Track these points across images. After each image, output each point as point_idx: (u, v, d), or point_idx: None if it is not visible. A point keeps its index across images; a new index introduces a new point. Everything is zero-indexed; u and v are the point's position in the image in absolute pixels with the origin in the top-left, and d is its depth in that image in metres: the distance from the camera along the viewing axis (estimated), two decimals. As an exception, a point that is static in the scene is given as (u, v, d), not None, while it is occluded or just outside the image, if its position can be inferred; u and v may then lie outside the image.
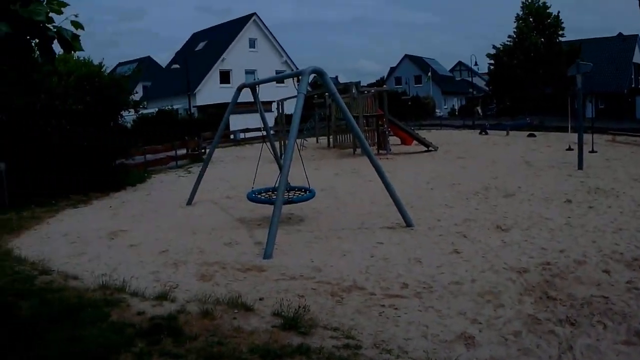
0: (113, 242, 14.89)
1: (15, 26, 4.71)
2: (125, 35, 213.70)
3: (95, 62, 25.10)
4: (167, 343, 7.44)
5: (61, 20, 5.14)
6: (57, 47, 5.27)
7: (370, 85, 75.59)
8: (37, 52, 5.34)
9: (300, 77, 15.13)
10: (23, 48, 5.14)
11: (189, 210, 19.38)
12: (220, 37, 71.39)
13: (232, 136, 48.40)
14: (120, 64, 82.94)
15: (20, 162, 22.30)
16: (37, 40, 5.08)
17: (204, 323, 8.15)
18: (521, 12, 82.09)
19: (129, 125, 34.51)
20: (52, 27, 5.07)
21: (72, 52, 5.30)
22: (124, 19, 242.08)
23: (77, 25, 5.13)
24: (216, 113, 52.59)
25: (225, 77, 67.79)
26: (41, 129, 22.02)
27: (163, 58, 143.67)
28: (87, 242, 14.90)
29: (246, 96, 18.89)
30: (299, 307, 8.58)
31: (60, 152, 22.09)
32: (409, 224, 14.60)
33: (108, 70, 26.71)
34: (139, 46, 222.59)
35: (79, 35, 5.19)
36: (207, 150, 34.17)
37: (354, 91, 34.26)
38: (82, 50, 5.28)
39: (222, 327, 8.00)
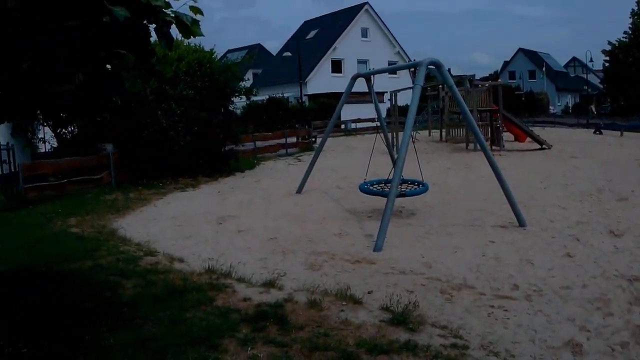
0: (221, 227, 14.95)
1: (133, 11, 4.69)
2: (234, 22, 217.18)
3: (205, 49, 25.40)
4: (272, 331, 7.37)
5: (179, 6, 5.16)
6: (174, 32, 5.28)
7: (484, 79, 74.61)
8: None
9: (417, 69, 14.83)
10: (141, 33, 5.13)
11: (299, 198, 19.28)
12: (331, 25, 71.25)
13: (343, 126, 48.37)
14: (229, 51, 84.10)
15: (130, 145, 22.74)
16: (155, 25, 5.06)
17: (310, 313, 8.04)
18: (636, 8, 78.82)
19: (239, 111, 34.73)
20: (170, 12, 5.08)
21: (192, 37, 5.29)
22: (233, 6, 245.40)
23: (196, 10, 5.14)
24: (327, 102, 52.76)
25: (336, 66, 67.60)
26: (152, 113, 22.34)
27: (273, 46, 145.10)
28: (195, 226, 15.02)
29: (358, 86, 18.71)
30: (409, 302, 8.39)
31: (170, 136, 22.36)
32: (521, 224, 14.14)
33: (218, 57, 26.91)
34: (248, 33, 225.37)
35: (198, 21, 5.22)
36: (317, 139, 34.18)
37: (466, 84, 33.76)
38: (203, 35, 5.29)
39: (329, 318, 7.86)
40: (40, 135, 31.82)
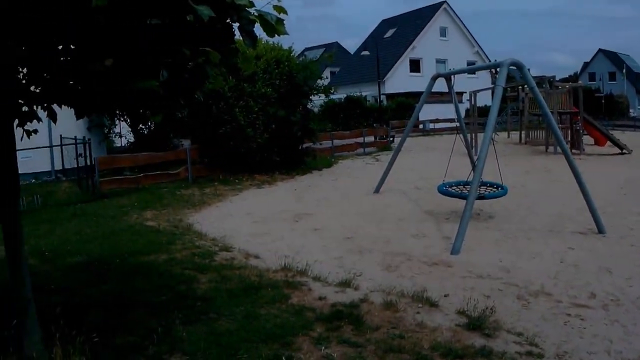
0: (297, 224, 15.01)
1: (218, 9, 4.72)
2: (311, 20, 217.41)
3: (283, 47, 25.49)
4: (347, 331, 7.37)
5: (263, 5, 5.16)
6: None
7: (564, 80, 73.42)
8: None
9: (497, 69, 14.66)
10: (225, 31, 5.19)
11: (376, 198, 19.18)
12: (409, 24, 70.49)
13: (421, 126, 48.07)
14: (307, 49, 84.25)
15: (207, 141, 23.01)
16: (239, 24, 5.09)
17: (386, 314, 8.00)
18: None
19: (317, 110, 34.86)
20: (253, 11, 5.11)
21: (276, 35, 5.28)
22: (311, 4, 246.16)
23: (280, 9, 5.12)
24: (405, 101, 52.50)
25: (415, 65, 66.83)
26: (230, 110, 22.55)
27: (349, 44, 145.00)
28: (270, 223, 15.10)
29: (437, 86, 18.56)
30: (485, 307, 8.26)
31: (247, 133, 22.54)
32: (600, 231, 13.82)
33: (296, 55, 27.00)
34: (325, 31, 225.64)
35: (283, 20, 5.18)
36: (395, 139, 34.03)
37: (545, 86, 33.26)
38: (287, 34, 5.27)
39: (405, 320, 7.81)
40: (117, 130, 32.46)
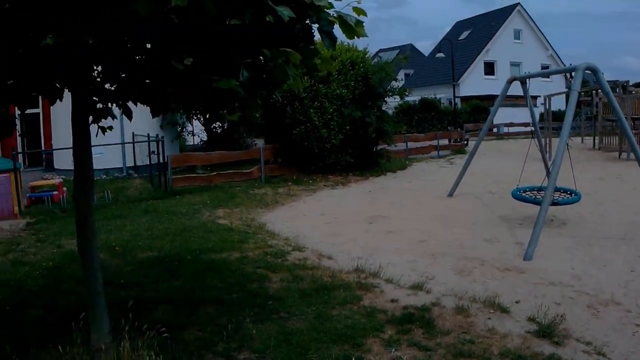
0: (370, 226, 15.01)
1: (297, 10, 4.77)
2: (385, 21, 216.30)
3: (358, 48, 25.47)
4: (418, 334, 7.37)
5: (343, 6, 5.15)
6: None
7: (637, 85, 71.57)
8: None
9: (573, 74, 14.58)
10: (305, 32, 5.23)
11: (450, 201, 19.14)
12: (483, 26, 69.67)
13: (495, 129, 47.64)
14: (381, 50, 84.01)
15: (281, 141, 23.23)
16: (318, 25, 5.12)
17: (457, 319, 7.97)
18: None
19: (391, 111, 34.90)
20: (332, 13, 5.12)
21: (355, 37, 5.29)
22: (384, 5, 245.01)
23: (359, 11, 5.10)
24: (479, 104, 52.09)
25: (489, 68, 66.08)
26: (304, 111, 22.80)
27: (422, 46, 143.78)
28: (344, 224, 15.12)
29: (511, 89, 18.44)
30: (556, 315, 8.15)
31: (322, 134, 22.73)
32: (674, 240, 13.66)
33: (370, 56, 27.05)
34: (397, 33, 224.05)
35: (362, 22, 5.20)
36: (469, 142, 33.83)
37: (618, 90, 32.76)
38: (366, 36, 5.23)
39: (476, 325, 7.78)
40: (189, 129, 32.96)
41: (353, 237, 13.70)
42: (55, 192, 20.30)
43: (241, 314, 8.05)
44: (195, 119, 30.50)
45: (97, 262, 6.62)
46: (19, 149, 29.47)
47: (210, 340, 7.19)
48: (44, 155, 32.00)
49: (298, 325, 7.61)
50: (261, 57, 5.08)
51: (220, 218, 15.73)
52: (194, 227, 14.38)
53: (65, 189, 20.75)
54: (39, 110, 32.47)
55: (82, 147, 6.36)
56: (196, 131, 33.00)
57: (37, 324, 8.18)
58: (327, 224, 15.10)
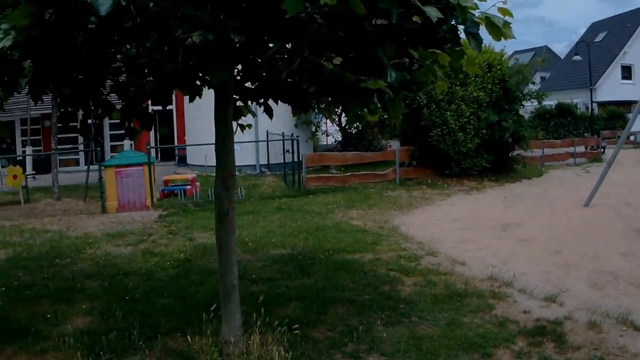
0: (504, 234, 14.74)
1: (444, 11, 4.71)
2: (519, 22, 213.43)
3: (492, 50, 25.10)
4: (549, 347, 7.21)
5: (488, 7, 5.09)
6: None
7: None
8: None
9: None
10: (451, 33, 5.14)
11: (586, 212, 18.46)
12: (620, 28, 66.56)
13: (632, 137, 46.12)
14: (516, 52, 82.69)
15: (418, 143, 23.16)
16: (463, 26, 5.05)
17: (589, 334, 7.73)
18: None
19: (527, 116, 34.35)
20: (478, 13, 5.05)
21: (502, 39, 5.17)
22: (517, 5, 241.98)
23: (505, 12, 5.03)
24: (616, 110, 50.61)
25: (626, 72, 63.29)
26: (441, 113, 22.60)
27: (557, 48, 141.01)
28: (477, 230, 14.92)
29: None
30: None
31: (458, 138, 22.48)
32: None
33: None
34: (531, 34, 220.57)
35: (509, 23, 5.11)
36: (606, 150, 32.93)
37: None
38: (514, 37, 5.14)
39: (607, 342, 7.50)
40: (324, 129, 33.21)
41: (486, 244, 13.49)
42: (189, 187, 21.02)
43: (372, 315, 8.07)
44: (329, 119, 30.73)
45: (234, 257, 6.77)
46: (152, 144, 30.39)
47: (339, 340, 7.23)
48: (176, 150, 32.94)
49: (429, 330, 7.57)
50: (406, 58, 5.01)
51: (353, 219, 15.81)
52: (327, 226, 14.52)
53: (198, 184, 21.38)
54: (173, 106, 33.46)
55: (224, 143, 6.49)
56: (330, 131, 33.25)
57: (165, 312, 8.49)
58: (460, 229, 14.92)
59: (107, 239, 14.34)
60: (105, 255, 12.45)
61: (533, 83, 29.10)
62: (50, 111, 27.00)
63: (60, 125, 20.79)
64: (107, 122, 31.78)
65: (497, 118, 23.33)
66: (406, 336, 7.30)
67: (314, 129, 30.76)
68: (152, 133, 31.56)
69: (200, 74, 5.65)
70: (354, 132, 30.50)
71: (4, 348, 7.43)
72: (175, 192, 21.01)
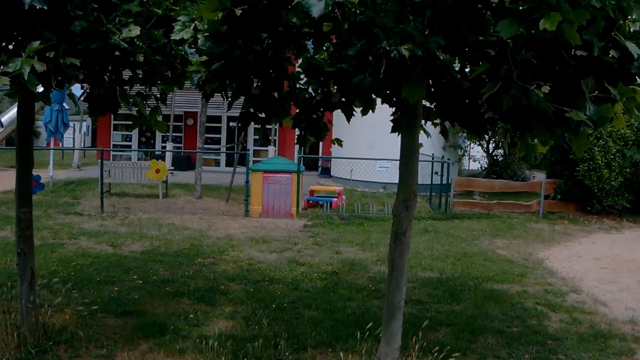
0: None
1: None
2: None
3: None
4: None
5: None
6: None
7: None
8: None
9: None
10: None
11: None
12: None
13: None
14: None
15: (563, 177, 23.25)
16: None
17: None
18: None
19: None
20: None
21: None
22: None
23: None
24: None
25: None
26: (589, 148, 22.33)
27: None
28: (617, 271, 14.85)
29: None
30: None
31: (603, 174, 22.31)
32: None
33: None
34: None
35: None
36: None
37: None
38: None
39: None
40: (472, 153, 33.22)
41: (626, 285, 13.46)
42: (335, 199, 21.31)
43: (520, 349, 8.33)
44: (478, 145, 30.77)
45: (405, 277, 6.88)
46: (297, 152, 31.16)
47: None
48: (320, 161, 33.57)
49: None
50: (601, 93, 5.01)
51: (499, 248, 16.01)
52: (473, 253, 14.77)
53: (344, 197, 21.69)
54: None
55: (410, 161, 6.84)
56: (477, 156, 33.28)
57: (314, 325, 8.74)
58: (601, 269, 14.92)
59: (250, 243, 14.90)
60: (249, 260, 12.96)
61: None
62: (197, 110, 28.11)
63: (239, 125, 21.02)
64: (252, 127, 32.47)
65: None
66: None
67: (461, 152, 30.92)
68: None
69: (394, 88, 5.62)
70: (500, 158, 30.49)
71: (139, 343, 7.82)
72: (321, 203, 21.40)
